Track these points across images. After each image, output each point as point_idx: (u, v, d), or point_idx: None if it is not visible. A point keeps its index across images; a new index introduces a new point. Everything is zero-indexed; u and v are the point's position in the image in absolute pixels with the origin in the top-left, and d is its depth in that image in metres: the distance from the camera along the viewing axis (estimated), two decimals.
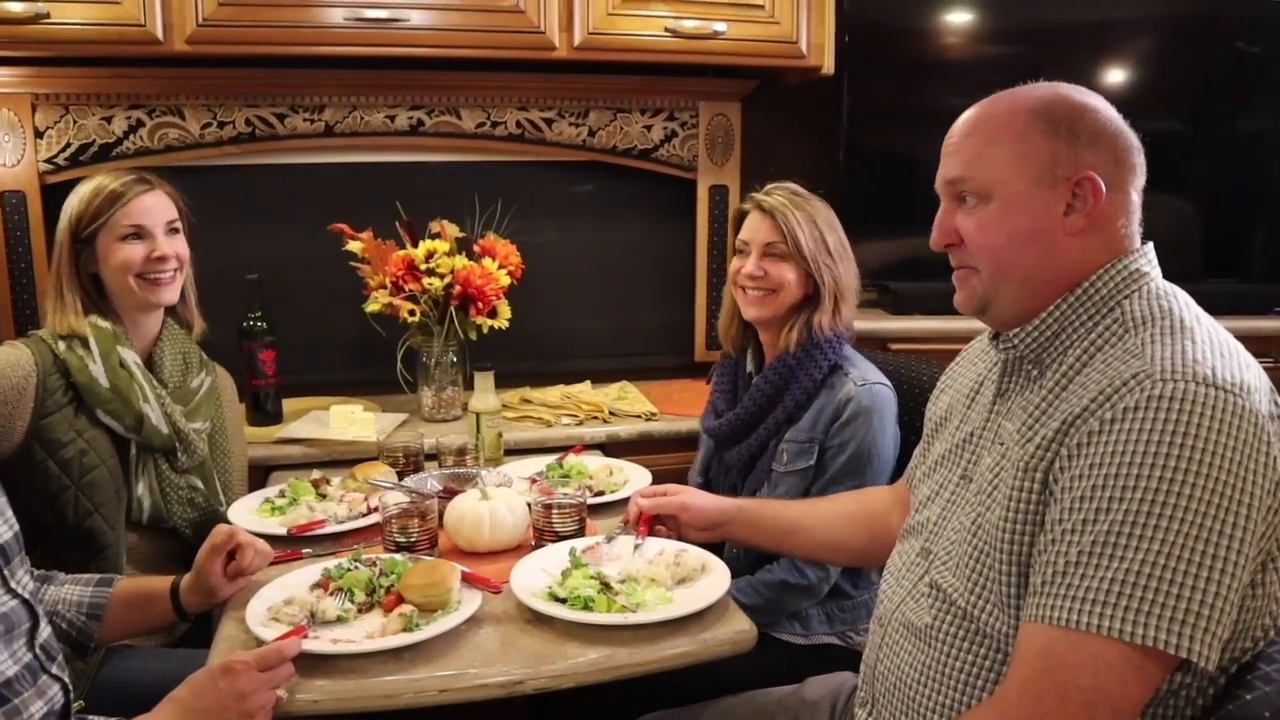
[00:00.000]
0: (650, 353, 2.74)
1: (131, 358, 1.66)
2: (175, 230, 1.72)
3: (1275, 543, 0.94)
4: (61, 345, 1.61)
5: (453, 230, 2.26)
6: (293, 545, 1.59)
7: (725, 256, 2.63)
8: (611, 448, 2.21)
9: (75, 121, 2.26)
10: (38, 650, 1.16)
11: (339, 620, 1.29)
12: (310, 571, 1.41)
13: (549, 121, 2.53)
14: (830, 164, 2.61)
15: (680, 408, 2.37)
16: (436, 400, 2.30)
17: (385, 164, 2.48)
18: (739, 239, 1.81)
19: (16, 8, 1.95)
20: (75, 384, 1.60)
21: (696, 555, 1.46)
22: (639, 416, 2.32)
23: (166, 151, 2.31)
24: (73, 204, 1.67)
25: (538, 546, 1.54)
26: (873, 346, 2.35)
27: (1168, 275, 1.09)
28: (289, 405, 2.29)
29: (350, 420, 2.12)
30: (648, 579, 1.38)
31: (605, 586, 1.35)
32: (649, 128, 2.59)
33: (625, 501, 1.65)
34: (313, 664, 1.20)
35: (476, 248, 2.28)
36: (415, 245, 2.22)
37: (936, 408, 1.31)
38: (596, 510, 1.73)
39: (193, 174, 2.24)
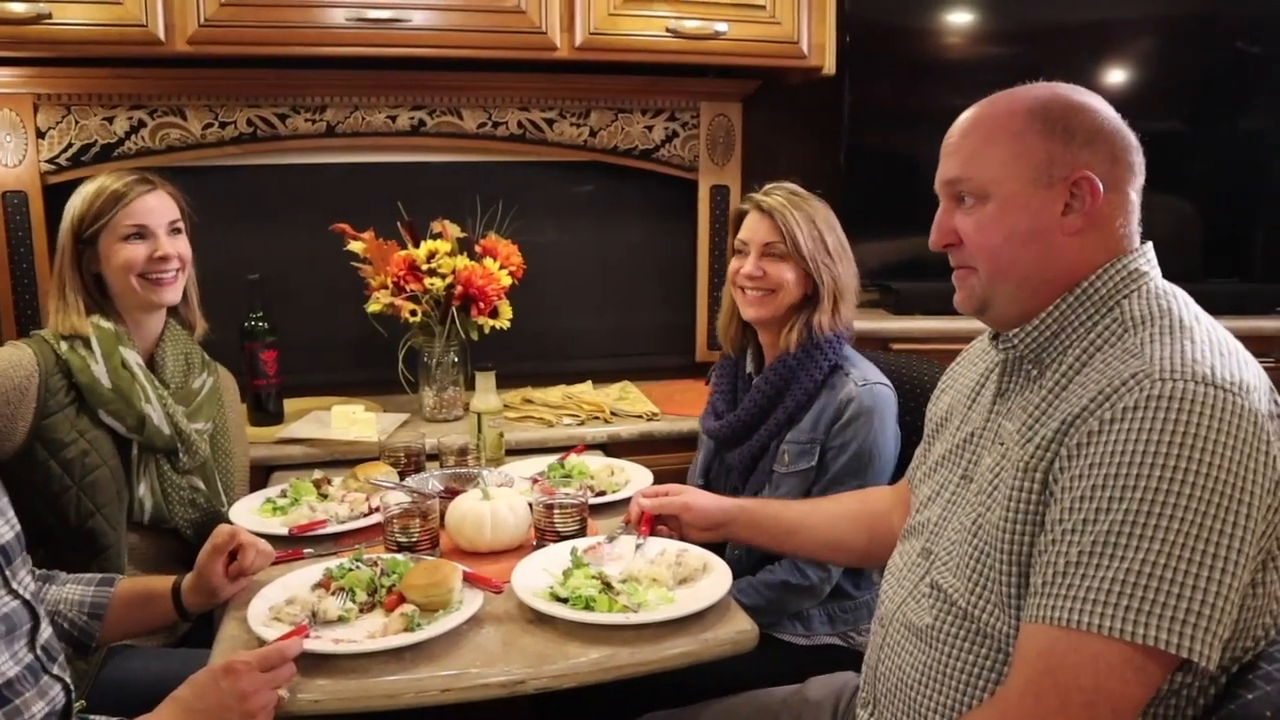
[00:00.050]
0: (651, 353, 2.74)
1: (134, 358, 1.66)
2: (177, 230, 1.73)
3: (1275, 542, 0.94)
4: (64, 345, 1.61)
5: (454, 230, 2.26)
6: (294, 545, 1.59)
7: (726, 257, 2.62)
8: (613, 448, 2.21)
9: (77, 122, 2.26)
10: (39, 651, 1.17)
11: (340, 620, 1.29)
12: (312, 571, 1.41)
13: (550, 122, 2.53)
14: (831, 164, 2.61)
15: (682, 408, 2.37)
16: (438, 400, 2.30)
17: (387, 164, 2.48)
18: (738, 239, 1.81)
19: (18, 8, 1.95)
20: (77, 384, 1.60)
21: (698, 555, 1.46)
22: (640, 416, 2.32)
23: (168, 152, 2.31)
24: (75, 204, 1.68)
25: (539, 546, 1.54)
26: (874, 347, 2.35)
27: (1168, 275, 1.09)
28: (290, 405, 2.29)
29: (352, 420, 2.12)
30: (649, 579, 1.38)
31: (607, 586, 1.35)
32: (650, 128, 2.59)
33: (627, 501, 1.65)
34: (314, 664, 1.20)
35: (478, 248, 2.28)
36: (417, 245, 2.22)
37: (937, 408, 1.31)
38: (598, 510, 1.73)
39: (194, 174, 2.24)
